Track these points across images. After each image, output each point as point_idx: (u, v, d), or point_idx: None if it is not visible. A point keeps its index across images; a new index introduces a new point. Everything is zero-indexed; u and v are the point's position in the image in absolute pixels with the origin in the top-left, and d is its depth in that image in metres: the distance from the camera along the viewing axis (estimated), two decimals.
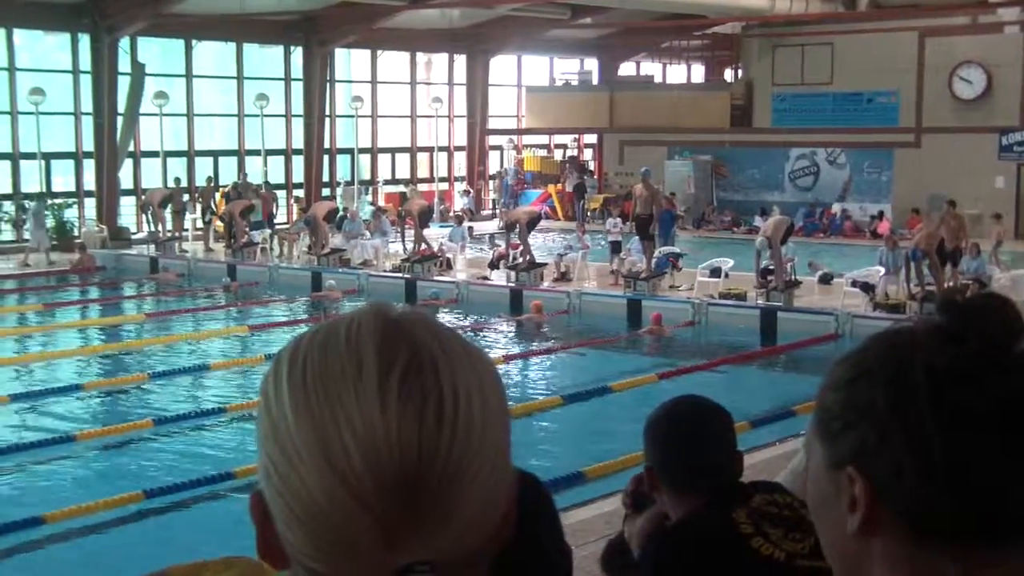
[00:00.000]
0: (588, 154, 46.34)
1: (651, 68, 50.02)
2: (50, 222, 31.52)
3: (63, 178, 33.06)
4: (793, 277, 23.50)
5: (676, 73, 50.70)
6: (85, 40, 32.58)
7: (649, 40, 46.22)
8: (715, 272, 24.20)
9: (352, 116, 39.38)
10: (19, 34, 31.99)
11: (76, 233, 31.69)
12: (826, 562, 2.60)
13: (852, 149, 36.78)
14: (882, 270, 22.64)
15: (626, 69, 48.09)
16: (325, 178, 38.35)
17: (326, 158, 38.48)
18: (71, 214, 32.57)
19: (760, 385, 17.42)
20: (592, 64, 47.27)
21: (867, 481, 1.25)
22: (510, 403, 1.14)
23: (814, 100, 37.69)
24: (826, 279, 23.93)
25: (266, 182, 35.76)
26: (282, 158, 37.68)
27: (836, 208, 36.49)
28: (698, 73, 50.86)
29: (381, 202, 37.94)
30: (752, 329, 21.20)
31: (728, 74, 46.88)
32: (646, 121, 40.25)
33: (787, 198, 36.97)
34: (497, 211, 40.45)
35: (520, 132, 44.96)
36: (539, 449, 13.59)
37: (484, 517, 1.09)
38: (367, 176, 40.13)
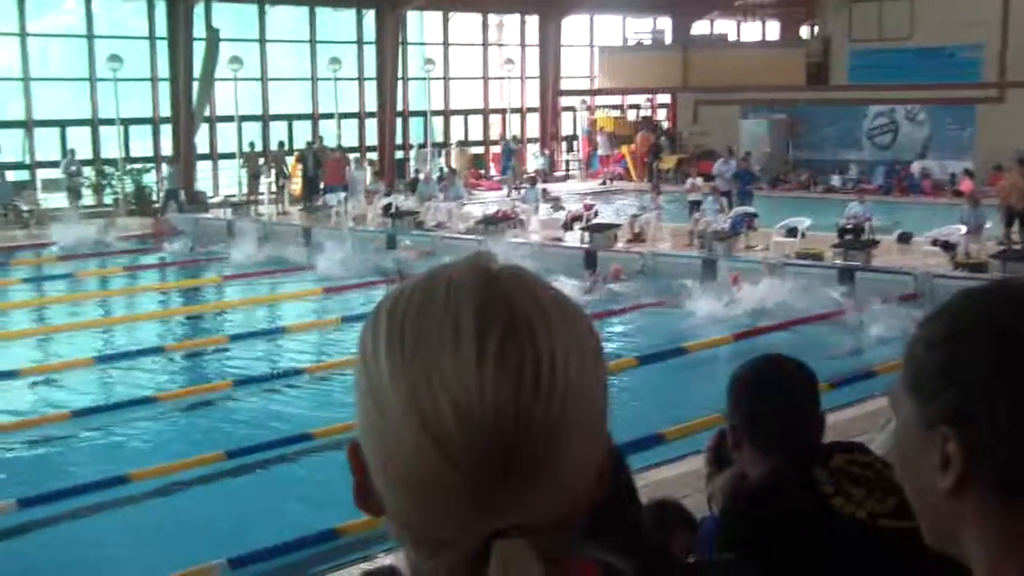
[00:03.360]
0: (662, 114, 46.01)
1: (725, 26, 49.43)
2: (129, 187, 31.94)
3: (141, 143, 33.31)
4: (871, 236, 23.24)
5: (750, 31, 50.14)
6: (161, 6, 32.90)
7: None
8: (791, 232, 24.03)
9: (425, 79, 39.38)
10: (97, 2, 32.25)
11: (154, 197, 32.03)
12: (911, 521, 2.57)
13: (933, 106, 35.97)
14: (963, 228, 22.31)
15: (699, 27, 47.53)
16: (398, 141, 38.40)
17: (399, 121, 38.50)
18: (149, 179, 32.89)
19: (838, 345, 17.26)
20: (665, 23, 46.88)
21: (963, 441, 1.22)
22: None
23: (893, 56, 36.82)
24: (905, 238, 23.61)
25: (340, 146, 35.92)
26: (355, 121, 37.82)
27: (916, 166, 35.81)
28: (773, 30, 50.24)
29: (454, 164, 38.07)
30: (829, 289, 21.03)
31: (804, 31, 46.28)
32: (720, 80, 39.69)
33: (865, 156, 36.59)
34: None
35: (593, 93, 44.72)
36: (615, 411, 13.60)
37: (577, 482, 1.09)
38: (440, 138, 40.14)
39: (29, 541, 10.55)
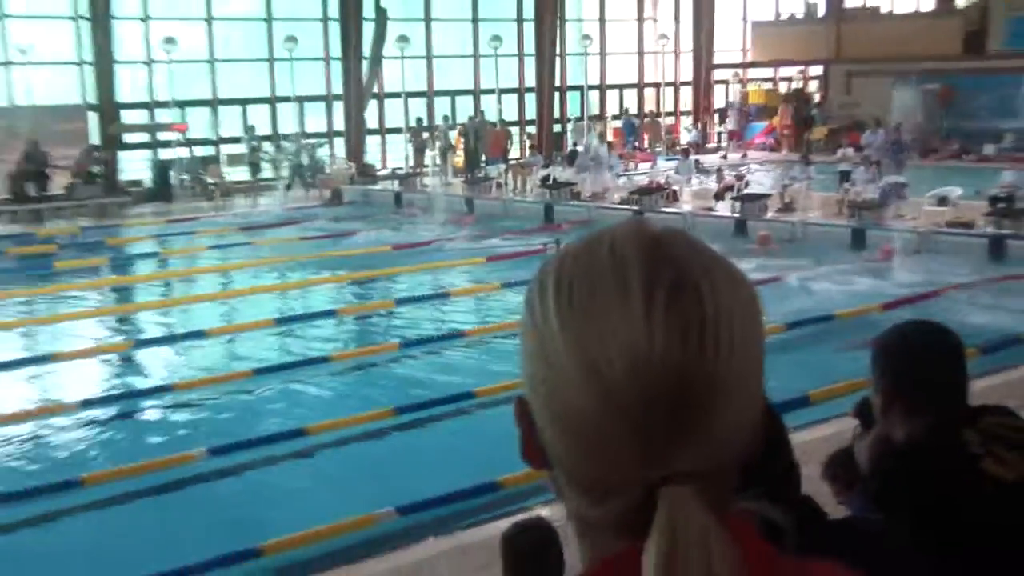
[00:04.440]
0: (813, 86, 45.20)
1: None
2: (305, 159, 32.55)
3: (315, 119, 33.91)
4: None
5: (904, 1, 48.71)
6: None
7: None
8: (942, 200, 23.52)
9: (582, 54, 39.30)
10: None
11: (327, 171, 32.58)
12: None
13: None
14: None
15: (852, 0, 46.50)
16: (556, 114, 38.44)
17: (557, 95, 38.52)
18: (322, 152, 33.47)
19: (986, 313, 16.90)
20: None
21: None
22: None
23: None
24: None
25: (500, 119, 36.11)
26: (515, 96, 37.97)
27: None
28: (927, 1, 48.74)
29: (610, 137, 37.97)
30: (981, 257, 20.57)
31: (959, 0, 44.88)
32: (874, 51, 38.94)
33: (1022, 124, 35.37)
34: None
35: (745, 66, 44.19)
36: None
37: (738, 433, 1.10)
38: (596, 112, 40.07)
39: (218, 484, 10.98)
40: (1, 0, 28.93)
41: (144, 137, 31.14)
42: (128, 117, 30.91)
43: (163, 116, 31.23)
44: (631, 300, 1.07)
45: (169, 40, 30.54)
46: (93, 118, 30.20)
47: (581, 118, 38.42)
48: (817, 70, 43.88)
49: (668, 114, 41.81)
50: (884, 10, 46.24)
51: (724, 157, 34.24)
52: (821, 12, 45.18)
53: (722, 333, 1.07)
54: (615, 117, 40.52)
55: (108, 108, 30.33)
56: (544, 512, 8.18)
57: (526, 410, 1.16)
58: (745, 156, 38.37)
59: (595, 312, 1.09)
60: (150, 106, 31.26)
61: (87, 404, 13.49)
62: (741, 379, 1.09)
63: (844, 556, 1.63)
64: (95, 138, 30.02)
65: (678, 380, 1.06)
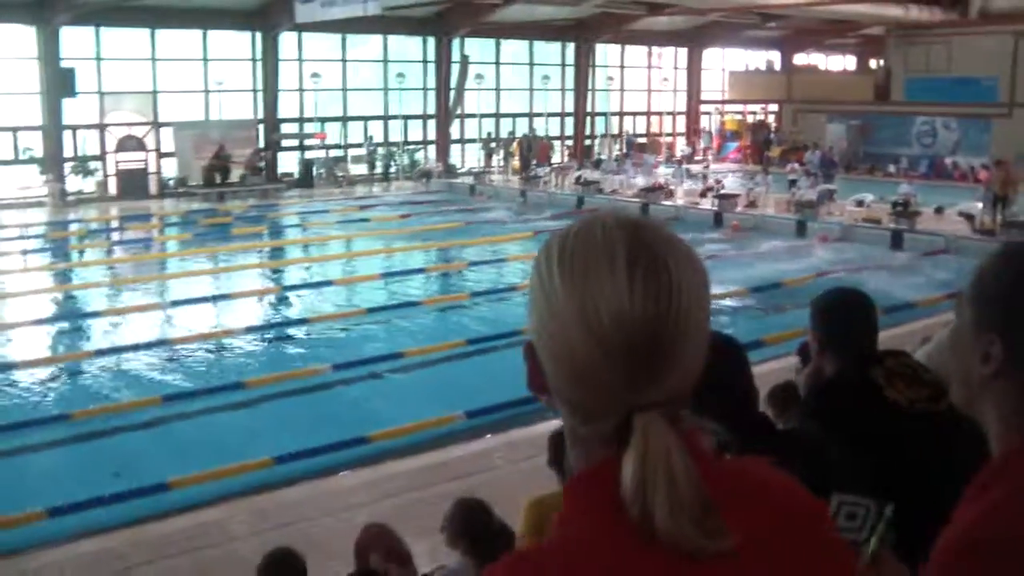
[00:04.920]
0: (771, 118, 44.48)
1: (817, 58, 47.56)
2: (406, 160, 32.50)
3: (415, 132, 33.77)
4: (916, 208, 22.15)
5: (835, 62, 48.20)
6: (431, 40, 33.12)
7: (817, 38, 43.91)
8: (859, 203, 23.28)
9: (606, 90, 38.92)
10: (391, 38, 32.66)
11: (423, 168, 32.48)
12: (938, 405, 2.63)
13: (962, 118, 34.04)
14: (980, 205, 21.19)
15: (799, 59, 45.85)
16: (587, 132, 38.09)
17: (588, 119, 38.17)
18: (419, 155, 33.39)
19: (891, 283, 16.58)
20: (775, 55, 45.26)
21: (1003, 344, 1.25)
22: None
23: (935, 82, 34.88)
24: (939, 210, 22.53)
25: (546, 135, 35.86)
26: (558, 119, 37.62)
27: (948, 160, 33.97)
28: (851, 62, 48.12)
29: (624, 150, 37.60)
30: (885, 245, 20.22)
31: (872, 63, 44.12)
32: (814, 95, 38.75)
33: (913, 152, 35.00)
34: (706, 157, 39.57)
35: (723, 102, 43.51)
36: (737, 323, 13.36)
37: (694, 369, 1.08)
38: (616, 131, 39.66)
39: (338, 391, 10.97)
40: (207, 48, 28.96)
41: (295, 142, 31.15)
42: (285, 128, 30.91)
43: (309, 128, 31.22)
44: (617, 270, 1.05)
45: (315, 75, 30.50)
46: (261, 129, 30.22)
47: (605, 135, 38.03)
48: (774, 107, 43.16)
49: (667, 134, 41.25)
50: (821, 67, 45.96)
51: (706, 167, 33.69)
52: (778, 66, 44.67)
53: (683, 297, 1.06)
54: (630, 135, 40.02)
55: (271, 122, 30.33)
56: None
57: (532, 351, 1.12)
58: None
59: (590, 277, 1.06)
60: (300, 121, 31.24)
61: (249, 330, 13.55)
62: (696, 330, 1.07)
63: (787, 455, 1.60)
64: (262, 143, 30.05)
65: (652, 331, 1.04)
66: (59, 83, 25.79)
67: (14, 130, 26.11)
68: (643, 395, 1.05)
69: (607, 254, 1.06)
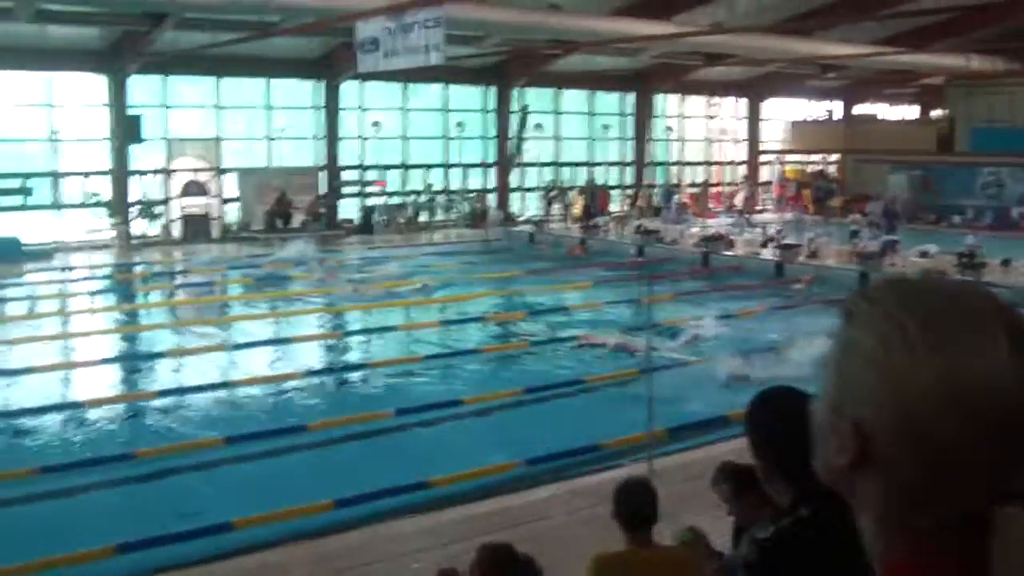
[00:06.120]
0: (832, 169, 44.15)
1: (877, 108, 47.26)
2: (467, 208, 32.76)
3: (475, 180, 34.06)
4: (982, 259, 21.78)
5: (896, 112, 47.89)
6: (492, 90, 33.52)
7: (876, 88, 43.67)
8: (924, 254, 23.11)
9: (664, 140, 39.01)
10: (453, 88, 33.09)
11: (484, 216, 32.63)
12: None
13: None
14: None
15: (860, 109, 45.58)
16: (646, 181, 38.10)
17: (647, 168, 38.23)
18: (478, 204, 33.56)
19: None
20: (836, 105, 45.06)
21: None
22: None
23: (1000, 132, 34.53)
24: (1006, 262, 22.11)
25: (605, 183, 35.95)
26: (618, 168, 37.71)
27: (1015, 211, 33.36)
28: (912, 112, 47.73)
29: (684, 200, 37.51)
30: None
31: (934, 113, 43.73)
32: (874, 145, 38.39)
33: (978, 202, 34.45)
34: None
35: (784, 152, 43.31)
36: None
37: None
38: (675, 181, 39.62)
39: (397, 437, 10.97)
40: (270, 96, 29.64)
41: (355, 189, 31.57)
42: (345, 175, 31.37)
43: (369, 175, 31.65)
44: (999, 342, 0.93)
45: (375, 123, 30.99)
46: (322, 176, 30.71)
47: (664, 185, 37.99)
48: (834, 157, 42.86)
49: (728, 184, 41.13)
50: (880, 117, 45.67)
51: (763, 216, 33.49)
52: (838, 116, 44.48)
53: None
54: (688, 186, 39.95)
55: (332, 169, 30.82)
56: (641, 470, 7.96)
57: (859, 429, 0.98)
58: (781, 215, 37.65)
59: (965, 349, 0.93)
60: (361, 168, 31.69)
61: (310, 373, 13.67)
62: None
63: None
64: (323, 189, 30.53)
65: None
66: (127, 129, 26.58)
67: (84, 175, 26.90)
68: (1009, 485, 0.95)
69: (981, 325, 0.95)
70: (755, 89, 40.39)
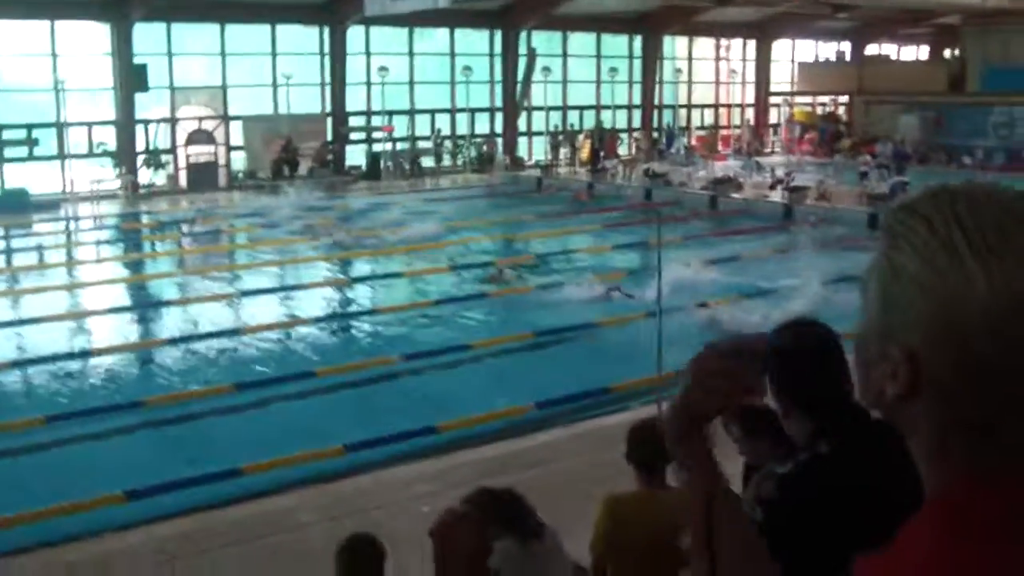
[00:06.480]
0: (842, 111, 43.62)
1: (889, 48, 46.56)
2: (473, 153, 32.52)
3: (482, 125, 33.74)
4: None
5: (908, 52, 47.14)
6: (498, 34, 33.11)
7: (888, 28, 42.94)
8: None
9: (674, 82, 38.54)
10: (459, 32, 32.70)
11: (491, 160, 32.43)
12: None
13: None
14: None
15: (871, 49, 44.91)
16: (655, 124, 37.72)
17: (656, 111, 37.84)
18: (485, 148, 33.31)
19: None
20: (846, 45, 44.38)
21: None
22: None
23: (1012, 72, 33.84)
24: None
25: (613, 127, 35.62)
26: (626, 111, 37.32)
27: None
28: (924, 52, 46.98)
29: (692, 142, 37.22)
30: None
31: (947, 53, 43.04)
32: (885, 87, 37.93)
33: (989, 143, 34.14)
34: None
35: (793, 94, 42.80)
36: None
37: None
38: (684, 124, 39.23)
39: (407, 381, 10.97)
40: (275, 42, 29.28)
41: (362, 135, 31.36)
42: (352, 121, 31.13)
43: (376, 121, 31.40)
44: None
45: (382, 68, 30.63)
46: (329, 122, 30.49)
47: (668, 127, 37.61)
48: (844, 99, 42.34)
49: (735, 127, 40.67)
50: (893, 57, 45.00)
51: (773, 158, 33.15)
52: (848, 57, 43.88)
53: None
54: (697, 128, 39.54)
55: (339, 115, 30.59)
56: (650, 413, 7.91)
57: (913, 355, 0.86)
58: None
59: (1020, 258, 0.82)
60: (368, 114, 31.43)
61: (318, 320, 13.64)
62: None
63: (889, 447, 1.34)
64: (330, 136, 30.32)
65: None
66: (132, 78, 26.33)
67: (89, 125, 26.70)
68: None
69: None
70: (765, 30, 39.79)
